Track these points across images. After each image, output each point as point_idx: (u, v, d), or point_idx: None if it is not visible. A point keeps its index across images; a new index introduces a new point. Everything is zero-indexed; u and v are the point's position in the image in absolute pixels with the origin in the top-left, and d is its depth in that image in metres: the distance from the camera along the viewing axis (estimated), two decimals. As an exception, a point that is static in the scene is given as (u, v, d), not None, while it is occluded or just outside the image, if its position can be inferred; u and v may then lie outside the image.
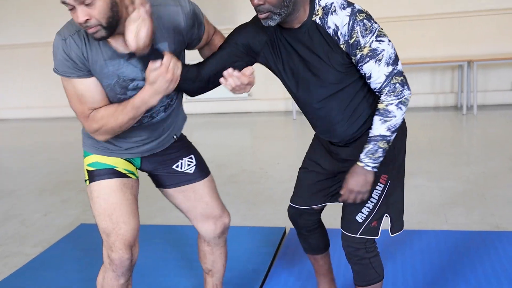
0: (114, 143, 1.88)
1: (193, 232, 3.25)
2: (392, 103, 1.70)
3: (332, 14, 1.66)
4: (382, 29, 1.69)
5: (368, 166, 1.75)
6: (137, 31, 1.56)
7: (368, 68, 1.68)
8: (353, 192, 1.78)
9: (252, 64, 1.84)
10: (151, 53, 1.64)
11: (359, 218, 1.88)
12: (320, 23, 1.69)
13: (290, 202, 2.13)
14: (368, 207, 1.87)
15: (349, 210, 1.91)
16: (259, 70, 1.94)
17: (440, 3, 6.52)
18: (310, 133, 2.09)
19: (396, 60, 1.69)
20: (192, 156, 2.05)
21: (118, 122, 1.72)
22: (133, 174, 1.95)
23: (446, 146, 5.04)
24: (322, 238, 2.20)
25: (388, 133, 1.72)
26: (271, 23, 1.66)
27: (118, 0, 1.57)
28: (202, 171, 2.06)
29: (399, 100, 1.69)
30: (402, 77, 1.70)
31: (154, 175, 2.05)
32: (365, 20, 1.64)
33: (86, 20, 1.53)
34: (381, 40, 1.66)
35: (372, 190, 1.85)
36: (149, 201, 3.57)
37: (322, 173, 2.01)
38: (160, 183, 2.06)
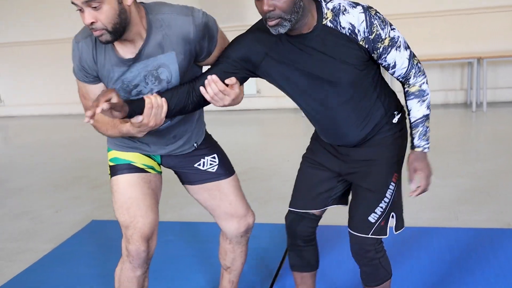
0: (132, 139, 1.91)
1: (205, 229, 3.30)
2: (423, 82, 1.78)
3: (344, 14, 1.66)
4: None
5: (425, 148, 1.82)
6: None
7: (392, 57, 1.72)
8: (428, 175, 1.82)
9: (250, 77, 1.82)
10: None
11: (372, 218, 1.85)
12: (332, 25, 1.67)
13: (290, 207, 2.04)
14: (382, 207, 1.85)
15: (362, 210, 1.87)
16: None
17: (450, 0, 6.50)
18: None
19: (407, 43, 1.75)
20: (215, 155, 2.07)
21: (108, 133, 1.82)
22: (153, 168, 1.98)
23: (456, 143, 5.03)
24: (316, 253, 2.12)
25: (428, 111, 1.81)
26: (282, 30, 1.62)
27: (127, 7, 1.60)
28: (227, 170, 2.08)
29: (426, 78, 1.78)
30: (416, 57, 1.78)
31: (178, 172, 2.09)
32: (378, 14, 1.68)
33: (92, 23, 1.57)
34: (393, 28, 1.71)
35: (386, 189, 1.85)
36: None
37: (326, 173, 1.96)
38: (184, 180, 2.09)
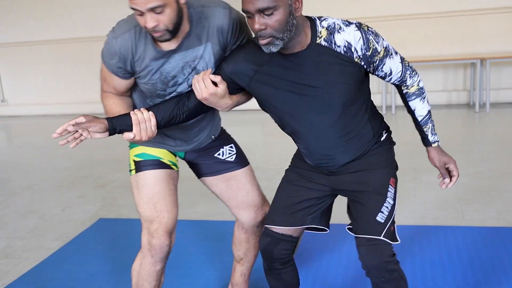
0: (161, 136, 1.97)
1: (211, 227, 3.31)
2: (420, 80, 1.84)
3: (339, 32, 1.66)
4: None
5: (438, 141, 1.89)
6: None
7: (388, 66, 1.75)
8: (455, 163, 1.89)
9: (240, 92, 1.82)
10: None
11: (380, 218, 1.77)
12: (326, 44, 1.66)
13: (267, 224, 1.92)
14: (387, 207, 1.79)
15: (368, 211, 1.79)
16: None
17: (453, 0, 6.52)
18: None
19: (393, 47, 1.79)
20: (232, 145, 2.14)
21: None
22: (175, 165, 2.05)
23: (459, 144, 5.04)
24: (294, 273, 2.02)
25: (430, 106, 1.88)
26: (274, 49, 1.60)
27: (182, 6, 1.66)
28: (242, 159, 2.14)
29: (419, 76, 1.84)
30: (404, 58, 1.82)
31: (196, 164, 2.12)
32: (370, 28, 1.70)
33: (155, 26, 1.61)
34: (383, 38, 1.73)
35: (387, 191, 1.81)
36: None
37: (308, 190, 1.89)
38: (202, 172, 2.12)
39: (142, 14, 1.60)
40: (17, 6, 8.09)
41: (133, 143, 2.01)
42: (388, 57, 1.73)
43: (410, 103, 1.84)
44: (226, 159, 2.10)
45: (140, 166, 1.97)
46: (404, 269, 1.84)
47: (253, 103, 1.91)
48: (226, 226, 3.32)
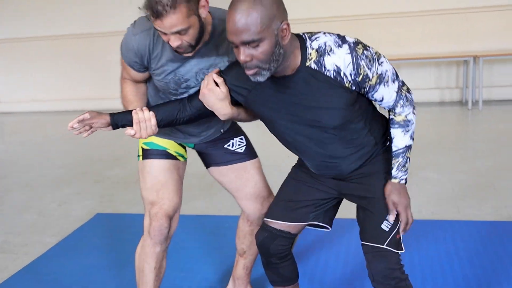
0: (169, 128, 2.01)
1: (210, 222, 3.33)
2: (410, 112, 1.71)
3: (329, 55, 1.57)
4: (374, 49, 1.65)
5: (402, 179, 1.75)
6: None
7: (380, 93, 1.66)
8: (408, 207, 1.75)
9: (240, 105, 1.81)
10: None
11: (385, 226, 1.76)
12: (316, 67, 1.59)
13: (266, 217, 1.93)
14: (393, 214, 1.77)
15: (373, 219, 1.78)
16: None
17: (447, -2, 6.58)
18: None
19: (396, 72, 1.68)
20: (242, 137, 2.18)
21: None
22: (182, 156, 2.10)
23: (453, 141, 5.09)
24: (293, 267, 2.03)
25: (411, 142, 1.74)
26: (261, 79, 1.56)
27: (205, 20, 1.69)
28: (252, 151, 2.18)
29: (413, 107, 1.72)
30: (405, 85, 1.71)
31: (206, 154, 2.16)
32: (365, 52, 1.59)
33: (179, 45, 1.65)
34: (381, 63, 1.62)
35: None
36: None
37: (315, 188, 1.88)
38: (211, 162, 2.16)
39: (165, 33, 1.64)
40: (14, 2, 8.05)
41: None
42: (382, 84, 1.63)
43: (392, 130, 1.74)
44: (236, 150, 2.14)
45: (147, 154, 2.05)
46: (402, 262, 1.80)
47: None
48: (224, 220, 3.35)
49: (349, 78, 1.59)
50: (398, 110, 1.70)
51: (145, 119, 1.75)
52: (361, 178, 1.81)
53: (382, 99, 1.67)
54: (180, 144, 2.10)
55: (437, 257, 2.67)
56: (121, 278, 2.70)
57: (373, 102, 1.76)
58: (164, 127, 1.84)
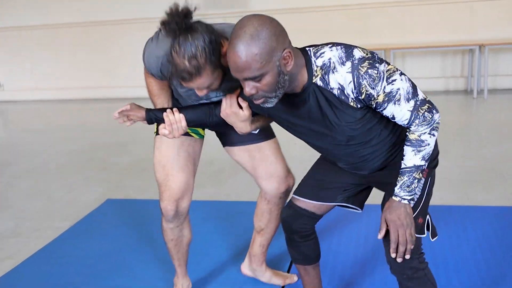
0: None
1: (220, 208, 3.36)
2: (425, 132, 1.60)
3: (333, 72, 1.55)
4: (389, 64, 1.56)
5: (405, 199, 1.64)
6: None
7: (389, 111, 1.58)
8: (399, 227, 1.64)
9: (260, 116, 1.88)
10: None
11: None
12: (322, 84, 1.57)
13: (294, 194, 1.95)
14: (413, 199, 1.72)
15: None
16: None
17: (452, -13, 6.55)
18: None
19: (415, 91, 1.58)
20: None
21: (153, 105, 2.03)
22: (197, 133, 2.13)
23: (459, 129, 5.10)
24: (315, 247, 2.04)
25: (422, 163, 1.62)
26: (269, 105, 1.57)
27: (224, 64, 1.68)
28: (268, 132, 2.18)
29: (431, 128, 1.60)
30: (427, 104, 1.60)
31: (223, 133, 2.19)
32: (369, 70, 1.51)
33: (205, 94, 1.74)
34: (393, 81, 1.54)
35: None
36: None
37: (351, 176, 1.88)
38: (227, 142, 2.19)
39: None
40: (13, -10, 8.02)
41: None
42: (391, 102, 1.55)
43: (404, 147, 1.64)
44: (251, 131, 2.13)
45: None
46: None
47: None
48: (233, 206, 3.38)
49: (352, 96, 1.56)
50: (413, 128, 1.61)
51: (176, 121, 1.84)
52: (389, 166, 1.78)
53: (394, 117, 1.59)
54: None
55: (447, 241, 2.69)
56: (135, 262, 2.74)
57: None
58: (195, 127, 1.94)
